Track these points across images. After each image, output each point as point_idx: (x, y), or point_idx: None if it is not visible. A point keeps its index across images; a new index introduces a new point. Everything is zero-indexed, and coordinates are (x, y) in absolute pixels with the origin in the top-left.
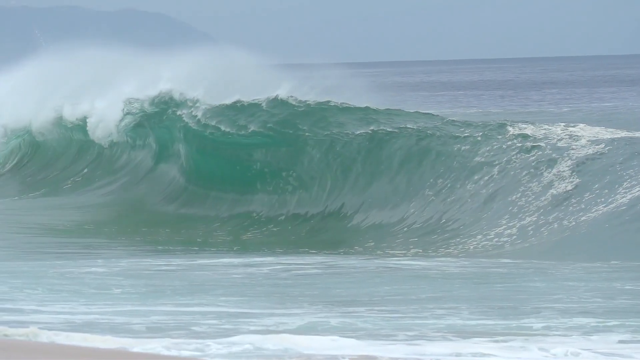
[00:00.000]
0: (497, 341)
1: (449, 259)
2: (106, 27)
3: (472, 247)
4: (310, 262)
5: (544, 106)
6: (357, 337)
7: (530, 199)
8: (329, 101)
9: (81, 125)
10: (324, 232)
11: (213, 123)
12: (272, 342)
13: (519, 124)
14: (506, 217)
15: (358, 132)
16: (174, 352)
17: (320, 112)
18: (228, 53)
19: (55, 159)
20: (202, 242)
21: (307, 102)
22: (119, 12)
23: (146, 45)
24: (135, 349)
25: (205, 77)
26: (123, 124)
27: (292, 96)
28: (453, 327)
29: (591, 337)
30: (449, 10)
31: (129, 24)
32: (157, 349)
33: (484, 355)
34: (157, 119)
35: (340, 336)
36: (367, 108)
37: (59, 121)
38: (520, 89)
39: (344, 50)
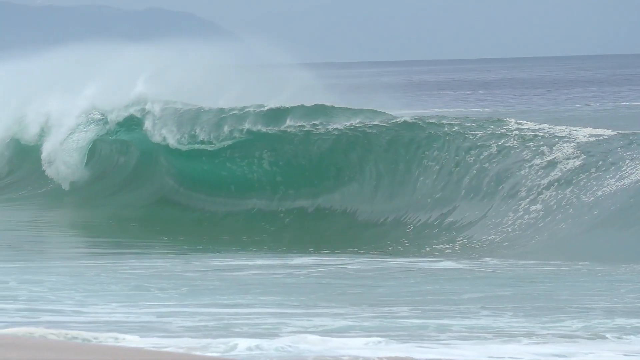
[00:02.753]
0: (537, 343)
1: (491, 259)
2: (132, 26)
3: (514, 248)
4: (350, 262)
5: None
6: (396, 338)
7: (572, 201)
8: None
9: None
10: (364, 232)
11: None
12: (309, 343)
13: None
14: (547, 218)
15: (407, 136)
16: (211, 352)
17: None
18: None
19: None
20: (240, 242)
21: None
22: (145, 11)
23: (181, 44)
24: (170, 349)
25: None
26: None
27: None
28: (493, 328)
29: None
30: (475, 8)
31: (155, 23)
32: (193, 349)
33: (522, 357)
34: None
35: (380, 336)
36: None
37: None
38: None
39: (373, 48)
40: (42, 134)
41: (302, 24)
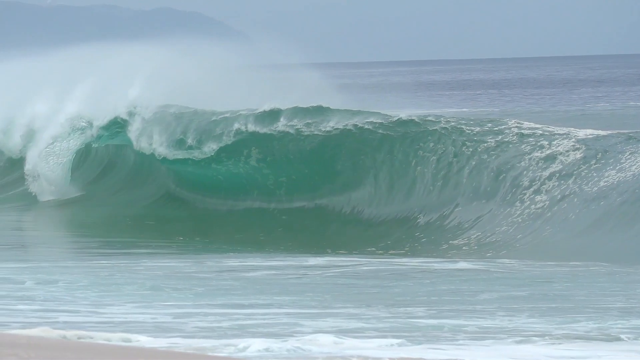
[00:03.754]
0: (552, 343)
1: (508, 260)
2: (142, 26)
3: (531, 248)
4: (365, 263)
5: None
6: (411, 339)
7: (590, 203)
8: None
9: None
10: (379, 233)
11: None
12: (323, 343)
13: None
14: (565, 219)
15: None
16: (224, 353)
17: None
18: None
19: None
20: (256, 242)
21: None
22: (155, 11)
23: (181, 44)
24: (183, 349)
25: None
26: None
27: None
28: (508, 328)
29: None
30: (478, 8)
31: (164, 22)
32: (205, 349)
33: (537, 358)
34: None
35: (395, 337)
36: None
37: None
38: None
39: (381, 48)
40: (26, 142)
41: (310, 23)
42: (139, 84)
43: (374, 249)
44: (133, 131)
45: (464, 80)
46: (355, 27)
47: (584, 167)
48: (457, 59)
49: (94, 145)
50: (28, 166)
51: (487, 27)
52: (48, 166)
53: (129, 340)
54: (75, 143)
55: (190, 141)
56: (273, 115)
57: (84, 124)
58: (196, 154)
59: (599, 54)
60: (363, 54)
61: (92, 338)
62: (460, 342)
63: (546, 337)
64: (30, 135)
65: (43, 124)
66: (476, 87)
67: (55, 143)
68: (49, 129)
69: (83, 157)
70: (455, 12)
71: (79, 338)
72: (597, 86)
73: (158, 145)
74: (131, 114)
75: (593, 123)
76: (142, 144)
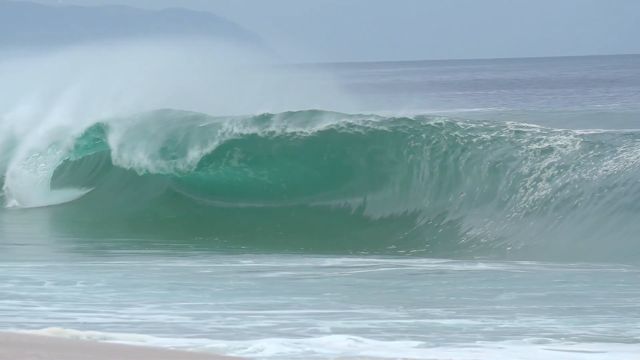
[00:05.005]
0: (570, 344)
1: (529, 262)
2: (153, 26)
3: (550, 250)
4: (381, 263)
5: None
6: (428, 339)
7: (612, 205)
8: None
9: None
10: (396, 233)
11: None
12: (339, 343)
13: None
14: (585, 221)
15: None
16: (238, 354)
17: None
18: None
19: None
20: (273, 243)
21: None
22: (166, 11)
23: (193, 45)
24: (199, 349)
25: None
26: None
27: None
28: (527, 329)
29: None
30: (483, 8)
31: (175, 23)
32: (222, 349)
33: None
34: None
35: (411, 339)
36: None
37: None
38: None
39: (391, 48)
40: (5, 152)
41: (321, 24)
42: (128, 91)
43: (391, 248)
44: (113, 141)
45: (475, 80)
46: (367, 27)
47: (605, 169)
48: (467, 59)
49: (72, 159)
50: (5, 185)
51: (496, 27)
52: (22, 177)
53: (145, 341)
54: (53, 157)
55: (204, 146)
56: (293, 116)
57: (64, 137)
58: (209, 155)
59: (609, 54)
60: (375, 54)
61: (110, 339)
62: (479, 342)
63: (565, 339)
64: (10, 143)
65: (23, 132)
66: (489, 87)
67: (33, 156)
68: (28, 142)
69: (81, 157)
70: (465, 13)
71: (98, 339)
72: (610, 86)
73: (152, 158)
74: (106, 126)
75: (612, 123)
76: (123, 155)
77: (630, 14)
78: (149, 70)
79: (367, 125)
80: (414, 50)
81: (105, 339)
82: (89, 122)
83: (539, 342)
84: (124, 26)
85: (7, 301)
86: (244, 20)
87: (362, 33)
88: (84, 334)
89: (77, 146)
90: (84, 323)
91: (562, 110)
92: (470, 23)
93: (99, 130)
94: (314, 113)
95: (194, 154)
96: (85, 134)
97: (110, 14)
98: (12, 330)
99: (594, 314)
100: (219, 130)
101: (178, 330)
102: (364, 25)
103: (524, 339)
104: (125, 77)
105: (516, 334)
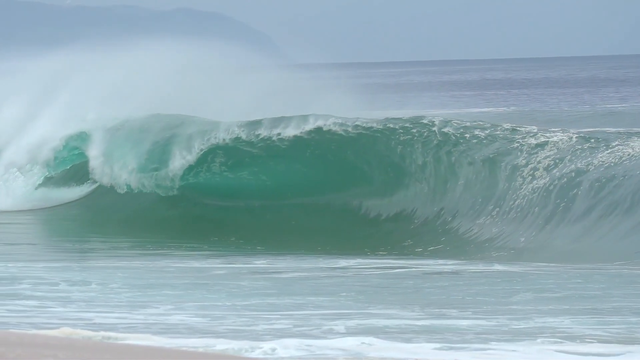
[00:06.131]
0: (587, 344)
1: (546, 264)
2: (161, 26)
3: (567, 251)
4: (397, 264)
5: None
6: (443, 340)
7: (631, 206)
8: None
9: None
10: (413, 234)
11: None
12: (350, 344)
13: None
14: (604, 222)
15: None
16: (253, 354)
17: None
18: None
19: None
20: (288, 243)
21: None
22: (175, 11)
23: (200, 45)
24: (213, 350)
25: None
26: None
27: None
28: (543, 329)
29: None
30: (487, 9)
31: (184, 23)
32: (236, 350)
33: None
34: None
35: (425, 340)
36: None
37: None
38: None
39: (398, 48)
40: None
41: (335, 24)
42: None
43: (406, 249)
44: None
45: (485, 80)
46: (376, 27)
47: (623, 173)
48: (475, 59)
49: (52, 173)
50: None
51: (506, 27)
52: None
53: (155, 342)
54: (36, 173)
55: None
56: (305, 118)
57: (44, 150)
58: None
59: (617, 54)
60: (388, 54)
61: (123, 339)
62: (494, 342)
63: (581, 339)
64: None
65: (4, 142)
66: (498, 87)
67: (14, 171)
68: (7, 155)
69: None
70: (472, 13)
71: (110, 339)
72: (620, 86)
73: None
74: (87, 135)
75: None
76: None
77: (632, 14)
78: (148, 71)
79: (387, 126)
80: (425, 51)
81: (117, 339)
82: (73, 129)
83: (554, 343)
84: (132, 26)
85: (23, 302)
86: (253, 21)
87: (374, 33)
88: (96, 335)
89: (55, 158)
90: (100, 324)
91: (569, 110)
92: (480, 23)
93: (81, 140)
94: (328, 117)
95: (210, 155)
96: (66, 145)
97: (118, 13)
98: (24, 330)
99: (610, 315)
100: (234, 130)
101: (193, 330)
102: (375, 26)
103: (539, 339)
104: (117, 80)
105: (532, 334)
